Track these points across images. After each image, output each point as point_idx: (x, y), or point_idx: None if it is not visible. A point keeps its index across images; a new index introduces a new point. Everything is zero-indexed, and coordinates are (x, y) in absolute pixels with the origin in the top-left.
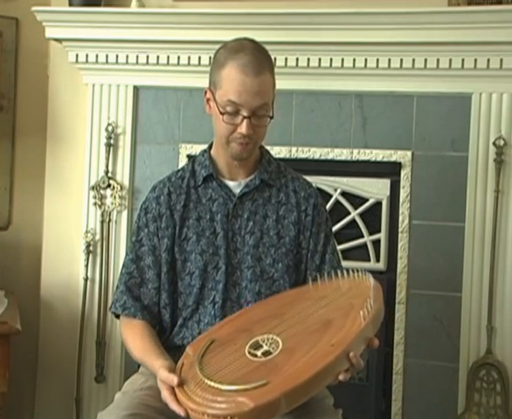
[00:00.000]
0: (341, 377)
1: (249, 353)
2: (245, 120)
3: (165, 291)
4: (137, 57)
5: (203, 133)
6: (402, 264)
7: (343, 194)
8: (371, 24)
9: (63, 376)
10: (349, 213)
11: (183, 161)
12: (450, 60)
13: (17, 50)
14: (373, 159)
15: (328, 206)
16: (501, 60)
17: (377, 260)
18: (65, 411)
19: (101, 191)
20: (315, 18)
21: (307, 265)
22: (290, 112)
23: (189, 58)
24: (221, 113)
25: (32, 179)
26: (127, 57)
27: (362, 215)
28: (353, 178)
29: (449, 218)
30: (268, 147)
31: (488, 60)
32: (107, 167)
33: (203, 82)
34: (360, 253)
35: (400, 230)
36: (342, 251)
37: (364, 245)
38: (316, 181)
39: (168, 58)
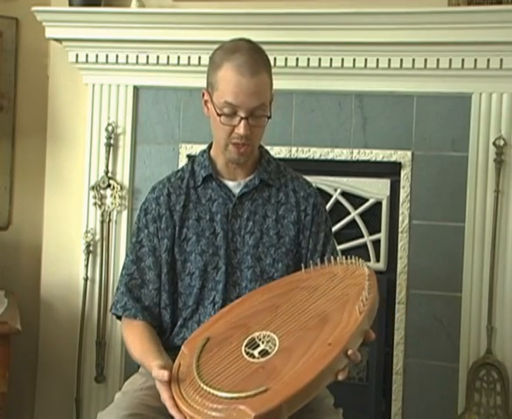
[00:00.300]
0: (340, 377)
1: (246, 352)
2: (242, 121)
3: (165, 291)
4: (137, 57)
5: (203, 133)
6: (402, 264)
7: (343, 194)
8: (371, 24)
9: (63, 376)
10: (349, 213)
11: (183, 161)
12: (450, 60)
13: (17, 50)
14: (373, 159)
15: (328, 206)
16: (501, 60)
17: (377, 260)
18: (65, 411)
19: (101, 191)
20: (315, 18)
21: (306, 265)
22: (290, 112)
23: (189, 58)
24: (218, 115)
25: (32, 179)
26: (127, 57)
27: (362, 215)
28: (353, 178)
29: (449, 218)
30: (268, 147)
31: (488, 60)
32: (107, 167)
33: (203, 82)
34: (360, 253)
35: (400, 230)
36: (342, 251)
37: (364, 245)
38: (316, 181)
39: (168, 58)
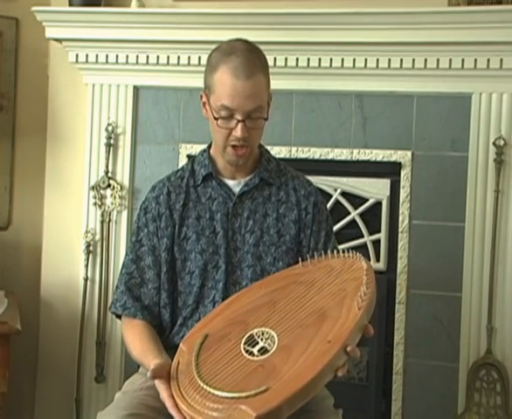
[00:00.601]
0: (339, 374)
1: (245, 350)
2: (239, 124)
3: (165, 290)
4: (137, 57)
5: (203, 133)
6: (402, 264)
7: (343, 194)
8: (371, 24)
9: (63, 376)
10: (349, 213)
11: (183, 161)
12: (450, 60)
13: (17, 50)
14: (373, 159)
15: (328, 206)
16: (501, 60)
17: (377, 260)
18: (65, 411)
19: (101, 191)
20: (315, 18)
21: None
22: (290, 112)
23: (189, 58)
24: (215, 118)
25: (32, 179)
26: (127, 57)
27: (362, 215)
28: (353, 178)
29: (449, 218)
30: (268, 147)
31: (488, 60)
32: (107, 167)
33: (202, 82)
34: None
35: (400, 230)
36: (343, 252)
37: (364, 245)
38: (316, 181)
39: (168, 58)
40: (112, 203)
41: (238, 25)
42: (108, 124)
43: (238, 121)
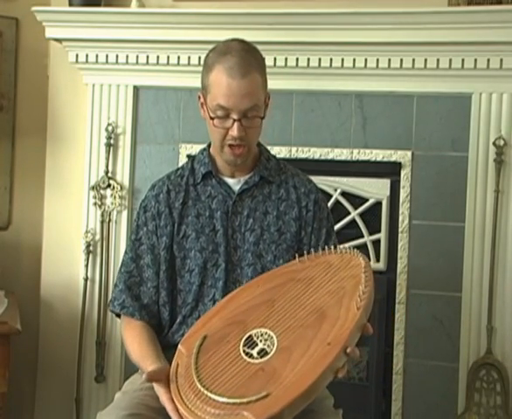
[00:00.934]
0: (339, 375)
1: (245, 352)
2: (235, 123)
3: (164, 289)
4: (137, 57)
5: (203, 133)
6: (402, 264)
7: (343, 194)
8: (371, 24)
9: (63, 376)
10: (349, 213)
11: (182, 161)
12: (450, 60)
13: (17, 50)
14: (373, 159)
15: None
16: (501, 60)
17: (377, 260)
18: (65, 411)
19: (101, 191)
20: (315, 18)
21: None
22: (290, 112)
23: (189, 58)
24: (211, 118)
25: (32, 179)
26: (127, 57)
27: (362, 215)
28: (353, 178)
29: (449, 218)
30: (268, 147)
31: (488, 60)
32: (107, 167)
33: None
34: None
35: (400, 230)
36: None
37: (364, 245)
38: (316, 181)
39: (168, 58)
40: (112, 203)
41: (238, 25)
42: (108, 124)
43: (235, 121)
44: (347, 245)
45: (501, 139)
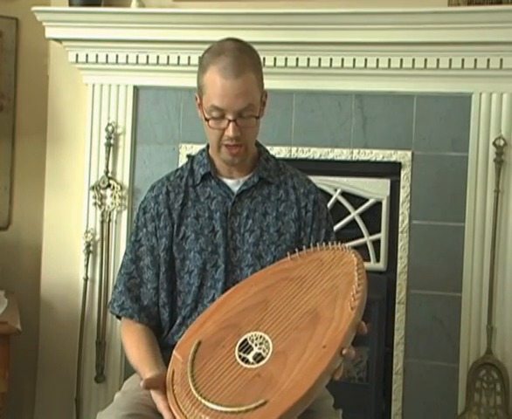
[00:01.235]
0: (336, 377)
1: (240, 357)
2: (230, 124)
3: (164, 290)
4: (137, 57)
5: (203, 133)
6: (402, 264)
7: (343, 194)
8: (371, 24)
9: (63, 376)
10: (349, 213)
11: (182, 161)
12: (450, 60)
13: (17, 50)
14: (373, 159)
15: (328, 206)
16: (501, 60)
17: (377, 260)
18: (65, 411)
19: (101, 191)
20: (315, 18)
21: None
22: (290, 112)
23: (189, 58)
24: (206, 119)
25: (32, 179)
26: (127, 57)
27: (362, 215)
28: (353, 178)
29: (449, 218)
30: (268, 147)
31: (488, 60)
32: (107, 167)
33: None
34: (360, 253)
35: (400, 230)
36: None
37: (364, 245)
38: (316, 181)
39: (168, 58)
40: (112, 203)
41: (238, 25)
42: (108, 124)
43: (230, 121)
44: (346, 245)
45: (501, 139)
